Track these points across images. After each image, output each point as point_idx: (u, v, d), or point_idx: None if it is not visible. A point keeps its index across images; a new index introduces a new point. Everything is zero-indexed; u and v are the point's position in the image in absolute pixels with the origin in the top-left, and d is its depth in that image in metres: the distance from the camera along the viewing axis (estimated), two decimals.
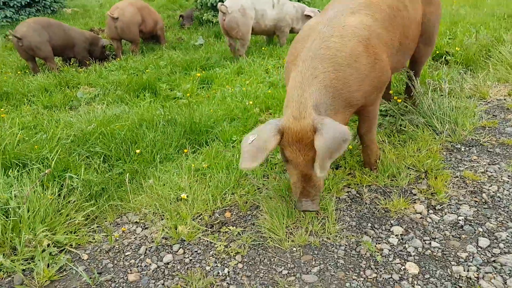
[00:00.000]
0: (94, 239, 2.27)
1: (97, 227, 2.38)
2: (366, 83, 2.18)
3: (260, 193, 2.53)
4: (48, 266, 2.03)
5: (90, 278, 1.98)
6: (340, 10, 2.31)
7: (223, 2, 6.53)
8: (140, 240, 2.25)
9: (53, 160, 2.74)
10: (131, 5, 6.56)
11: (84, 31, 6.61)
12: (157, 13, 7.56)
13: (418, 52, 3.06)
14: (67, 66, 6.21)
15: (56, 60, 6.51)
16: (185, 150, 3.09)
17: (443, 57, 4.66)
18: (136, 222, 2.42)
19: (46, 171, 2.50)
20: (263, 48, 6.34)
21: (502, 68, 4.19)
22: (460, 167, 2.73)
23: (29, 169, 2.67)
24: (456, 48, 4.68)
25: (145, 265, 2.06)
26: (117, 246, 2.21)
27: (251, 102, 3.81)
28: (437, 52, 4.69)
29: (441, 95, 3.44)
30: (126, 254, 2.15)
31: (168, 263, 2.07)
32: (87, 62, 6.46)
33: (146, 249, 2.17)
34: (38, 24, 5.88)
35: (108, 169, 2.88)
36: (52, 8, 9.83)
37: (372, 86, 2.25)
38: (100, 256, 2.15)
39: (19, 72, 5.98)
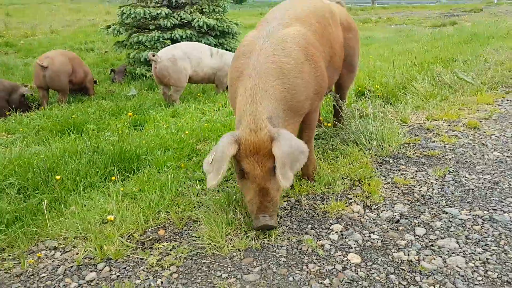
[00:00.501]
0: (3, 266, 1.95)
1: (9, 255, 2.06)
2: (311, 90, 2.26)
3: (198, 207, 2.40)
4: None
5: None
6: (275, 25, 2.37)
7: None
8: (58, 262, 1.97)
9: None
10: (62, 55, 6.42)
11: (2, 80, 6.25)
12: (87, 65, 7.44)
13: (342, 76, 3.24)
14: None
15: None
16: (113, 178, 2.88)
17: (365, 94, 5.02)
18: (55, 247, 2.13)
19: None
20: (198, 94, 6.41)
21: (418, 99, 4.60)
22: (391, 175, 2.83)
23: None
24: (376, 86, 5.08)
25: (64, 285, 1.78)
26: (31, 270, 1.92)
27: (186, 132, 3.74)
28: (359, 89, 5.05)
29: (366, 118, 3.64)
30: (42, 276, 1.87)
31: (91, 281, 1.81)
32: (7, 113, 6.03)
33: (65, 269, 1.90)
34: None
35: (24, 200, 2.58)
36: None
37: (316, 93, 2.33)
38: (9, 281, 1.84)
39: None
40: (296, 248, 1.99)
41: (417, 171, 2.84)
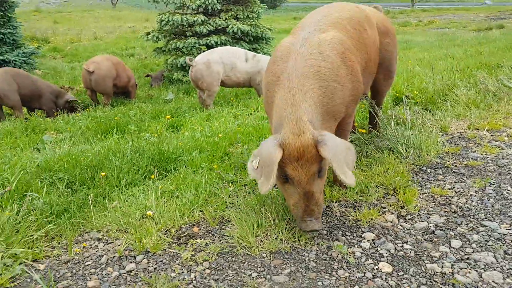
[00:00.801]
0: (52, 254, 2.10)
1: (58, 243, 2.21)
2: (347, 94, 2.28)
3: (230, 208, 2.47)
4: (0, 275, 1.84)
5: (47, 285, 1.80)
6: (311, 30, 2.38)
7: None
8: (101, 252, 2.10)
9: (14, 182, 2.60)
10: (107, 60, 6.77)
11: (52, 84, 6.65)
12: (130, 70, 7.77)
13: (378, 82, 3.26)
14: (34, 115, 6.13)
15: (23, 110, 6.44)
16: (152, 176, 3.02)
17: (403, 100, 4.94)
18: (99, 238, 2.27)
19: (6, 189, 2.36)
20: (231, 99, 6.53)
21: (459, 107, 4.48)
22: (428, 185, 2.78)
23: None
24: (415, 92, 4.99)
25: (106, 273, 1.90)
26: (77, 258, 2.06)
27: (220, 135, 3.84)
28: (397, 95, 4.99)
29: (404, 125, 3.59)
30: (86, 264, 2.00)
31: (131, 271, 1.92)
32: (55, 113, 6.41)
33: (108, 259, 2.02)
34: (6, 73, 5.90)
35: (72, 193, 2.75)
36: (22, 69, 9.89)
37: (352, 97, 2.37)
38: (58, 266, 1.98)
39: None
40: (326, 254, 2.01)
41: (455, 182, 2.78)
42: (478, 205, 2.44)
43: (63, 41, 17.20)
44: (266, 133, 3.91)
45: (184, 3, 8.72)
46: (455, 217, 2.32)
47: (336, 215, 2.40)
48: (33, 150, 4.19)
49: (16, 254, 2.02)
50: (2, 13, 10.02)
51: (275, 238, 2.12)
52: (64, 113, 6.23)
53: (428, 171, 3.00)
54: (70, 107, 6.71)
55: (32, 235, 2.19)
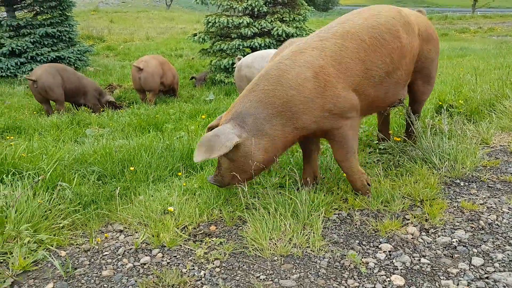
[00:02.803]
0: (76, 242, 2.22)
1: (82, 233, 2.34)
2: (315, 107, 2.26)
3: (248, 209, 2.48)
4: (24, 258, 1.97)
5: (64, 271, 1.91)
6: (314, 35, 2.45)
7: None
8: (120, 243, 2.20)
9: (49, 171, 2.77)
10: (155, 59, 7.09)
11: (95, 83, 7.04)
12: (175, 68, 8.05)
13: (417, 89, 3.13)
14: (81, 109, 6.49)
15: (69, 105, 6.85)
16: (179, 173, 3.10)
17: (446, 109, 4.72)
18: (120, 230, 2.38)
19: (39, 177, 2.53)
20: None
21: (506, 119, 4.21)
22: (458, 198, 2.65)
23: (24, 177, 2.70)
24: (460, 101, 4.75)
25: (121, 264, 1.99)
26: (97, 247, 2.16)
27: None
28: (440, 103, 4.77)
29: (441, 136, 3.44)
30: (104, 254, 2.10)
31: (144, 264, 1.99)
32: (101, 109, 6.75)
33: (124, 251, 2.11)
34: (53, 68, 6.29)
35: (101, 186, 2.89)
36: (76, 66, 10.50)
37: (325, 111, 2.30)
38: (78, 254, 2.10)
39: (34, 113, 6.25)
40: (338, 262, 1.98)
41: (488, 197, 2.62)
42: (509, 222, 2.29)
43: (117, 40, 18.06)
44: None
45: (231, 5, 8.85)
46: (481, 233, 2.19)
47: (355, 224, 2.34)
48: (74, 143, 4.44)
49: (42, 240, 2.16)
50: (60, 12, 10.70)
51: (288, 242, 2.11)
52: (109, 110, 6.55)
53: (461, 184, 2.85)
54: (111, 106, 7.06)
55: (59, 223, 2.33)
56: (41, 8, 10.76)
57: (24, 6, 11.11)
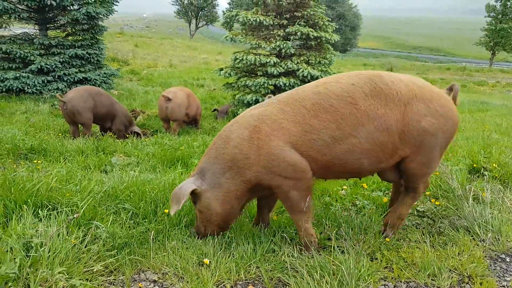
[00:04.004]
0: None
1: (114, 279, 2.23)
2: (253, 164, 2.47)
3: (288, 270, 2.36)
4: None
5: None
6: (268, 100, 2.66)
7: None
8: None
9: (82, 207, 2.70)
10: (182, 91, 7.24)
11: (126, 110, 7.11)
12: (198, 100, 8.12)
13: (406, 162, 2.68)
14: (105, 134, 6.49)
15: (94, 128, 6.88)
16: None
17: (480, 172, 4.60)
18: (154, 280, 2.26)
19: (74, 215, 2.45)
20: None
21: None
22: (506, 277, 2.50)
23: (57, 212, 2.62)
24: (493, 165, 4.64)
25: None
26: None
27: None
28: (474, 165, 4.66)
29: (483, 204, 3.31)
30: None
31: None
32: (127, 136, 6.75)
33: None
34: (87, 92, 6.35)
35: (133, 226, 2.80)
36: (101, 88, 10.67)
37: (263, 167, 2.46)
38: None
39: (60, 134, 6.26)
40: None
41: None
42: None
43: (140, 64, 18.44)
44: (326, 185, 3.79)
45: (260, 44, 9.00)
46: None
47: None
48: (102, 172, 4.38)
49: (75, 286, 2.05)
50: (91, 35, 10.98)
51: None
52: (134, 137, 6.55)
53: (508, 260, 2.71)
54: (136, 135, 7.09)
55: (91, 267, 2.23)
56: (73, 30, 11.07)
57: (57, 26, 11.43)
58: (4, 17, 10.17)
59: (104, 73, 11.02)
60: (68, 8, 10.98)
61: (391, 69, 28.15)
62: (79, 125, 6.45)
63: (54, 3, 9.88)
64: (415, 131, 2.56)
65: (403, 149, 2.62)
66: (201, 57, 24.36)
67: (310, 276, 2.23)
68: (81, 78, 10.32)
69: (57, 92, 9.96)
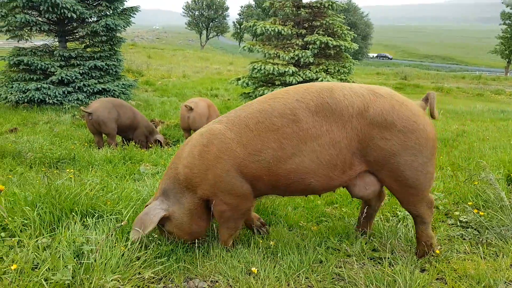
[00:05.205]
0: None
1: (164, 287, 2.21)
2: (203, 182, 2.47)
3: (339, 281, 2.32)
4: None
5: None
6: (219, 118, 2.62)
7: None
8: None
9: (126, 215, 2.70)
10: (203, 101, 7.26)
11: (148, 120, 7.17)
12: (218, 111, 8.14)
13: (394, 191, 2.51)
14: (128, 144, 6.54)
15: (118, 139, 6.92)
16: None
17: None
18: None
19: (122, 223, 2.45)
20: None
21: None
22: None
23: (103, 220, 2.62)
24: None
25: None
26: None
27: None
28: (510, 175, 4.57)
29: None
30: None
31: None
32: (150, 145, 6.79)
33: None
34: (110, 103, 6.43)
35: None
36: (119, 99, 10.77)
37: (211, 186, 2.46)
38: None
39: (86, 144, 6.31)
40: None
41: None
42: None
43: (155, 75, 18.64)
44: None
45: (278, 54, 9.04)
46: None
47: None
48: (134, 181, 4.39)
49: None
50: (110, 47, 11.14)
51: None
52: (158, 146, 6.58)
53: None
54: (159, 144, 7.14)
55: (141, 273, 2.21)
56: (91, 41, 11.24)
57: (75, 38, 11.62)
58: (26, 29, 10.37)
59: (123, 84, 11.14)
60: (87, 20, 11.18)
61: (405, 78, 28.08)
62: (103, 135, 6.50)
63: (74, 15, 10.05)
64: (368, 149, 2.35)
65: (359, 165, 2.42)
66: (213, 68, 24.57)
67: (362, 284, 2.18)
68: (100, 89, 10.45)
69: (77, 103, 10.10)
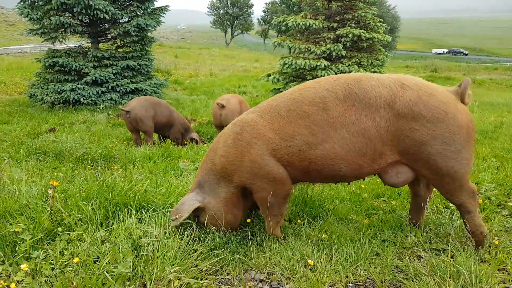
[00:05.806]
0: None
1: (222, 278, 2.21)
2: (240, 169, 2.53)
3: (398, 272, 2.25)
4: None
5: None
6: (251, 109, 2.68)
7: None
8: None
9: None
10: (235, 97, 7.25)
11: (184, 118, 7.23)
12: (249, 107, 8.14)
13: (431, 182, 2.53)
14: (165, 141, 6.62)
15: (154, 136, 7.01)
16: (298, 221, 2.95)
17: None
18: (262, 280, 2.22)
19: (177, 216, 2.46)
20: None
21: None
22: None
23: (157, 214, 2.65)
24: None
25: None
26: None
27: (363, 186, 3.67)
28: None
29: None
30: None
31: None
32: (185, 142, 6.85)
33: None
34: (148, 101, 6.52)
35: None
36: None
37: (248, 173, 2.52)
38: None
39: (124, 142, 6.44)
40: None
41: None
42: None
43: (183, 74, 18.85)
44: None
45: (309, 49, 8.95)
46: None
47: None
48: (177, 177, 4.44)
49: (190, 284, 2.04)
50: (141, 47, 11.32)
51: None
52: (193, 143, 6.64)
53: None
54: (194, 142, 7.20)
55: (197, 266, 2.22)
56: (123, 41, 11.45)
57: (108, 39, 11.87)
58: (60, 31, 10.65)
59: (154, 83, 11.30)
60: (119, 21, 11.39)
61: (435, 70, 27.31)
62: (141, 133, 6.61)
63: (106, 16, 10.26)
64: (398, 139, 2.36)
65: (391, 155, 2.43)
66: (239, 65, 24.62)
67: (419, 274, 2.11)
68: (132, 88, 10.64)
69: (111, 102, 10.32)
